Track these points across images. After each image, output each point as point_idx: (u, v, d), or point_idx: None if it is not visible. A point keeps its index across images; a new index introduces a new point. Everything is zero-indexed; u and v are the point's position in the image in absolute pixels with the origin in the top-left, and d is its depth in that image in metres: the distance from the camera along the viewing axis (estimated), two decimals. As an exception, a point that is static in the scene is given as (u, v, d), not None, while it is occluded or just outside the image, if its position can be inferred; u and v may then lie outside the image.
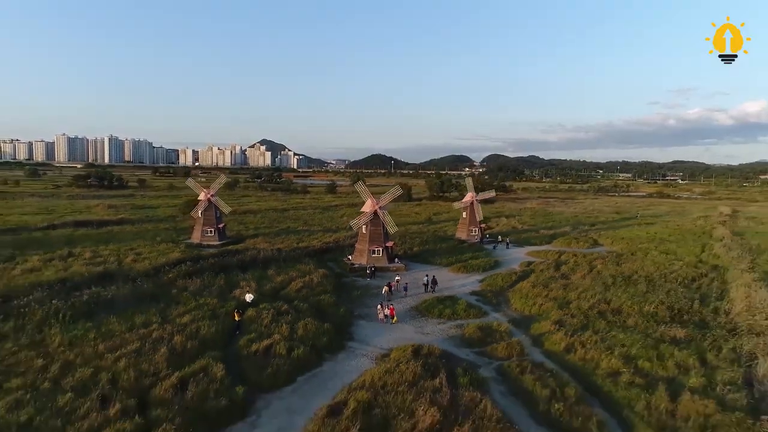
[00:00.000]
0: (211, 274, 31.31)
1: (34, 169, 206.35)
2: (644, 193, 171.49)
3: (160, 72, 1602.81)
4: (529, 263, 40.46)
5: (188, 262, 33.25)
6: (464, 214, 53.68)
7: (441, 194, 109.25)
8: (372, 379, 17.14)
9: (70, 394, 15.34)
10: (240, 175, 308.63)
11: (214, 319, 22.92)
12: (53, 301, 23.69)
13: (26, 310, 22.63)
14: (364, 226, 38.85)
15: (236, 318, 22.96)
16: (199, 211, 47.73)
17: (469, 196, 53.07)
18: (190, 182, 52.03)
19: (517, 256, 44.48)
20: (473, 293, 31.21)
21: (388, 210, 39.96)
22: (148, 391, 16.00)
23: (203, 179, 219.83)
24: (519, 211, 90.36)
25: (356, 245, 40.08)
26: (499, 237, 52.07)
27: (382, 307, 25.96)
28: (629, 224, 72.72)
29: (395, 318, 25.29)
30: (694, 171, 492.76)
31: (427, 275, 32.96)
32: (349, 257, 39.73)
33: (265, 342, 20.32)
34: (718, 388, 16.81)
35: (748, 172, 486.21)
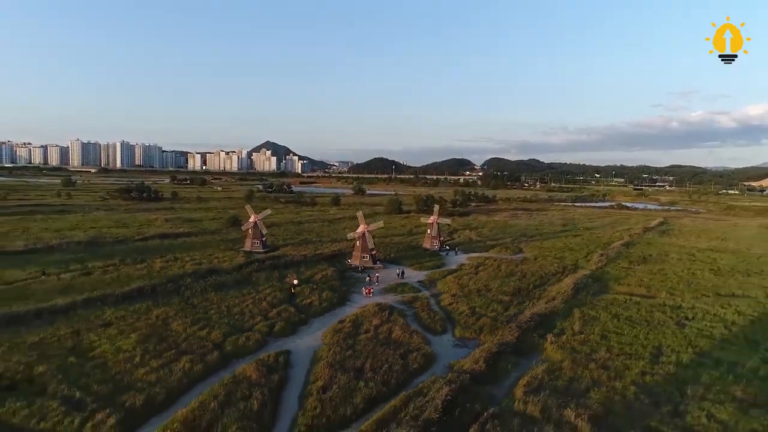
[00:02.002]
0: (269, 270, 54.87)
1: (68, 179, 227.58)
2: (607, 204, 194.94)
3: (160, 72, 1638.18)
4: (462, 265, 63.77)
5: (255, 263, 56.89)
6: (429, 230, 77.20)
7: (426, 208, 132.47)
8: (356, 313, 40.60)
9: (237, 315, 38.97)
10: (249, 181, 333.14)
11: (280, 291, 46.40)
12: (200, 282, 47.29)
13: (190, 286, 46.18)
14: (358, 240, 62.38)
15: (292, 291, 46.53)
16: (249, 228, 71.26)
17: (432, 218, 76.64)
18: (247, 207, 75.41)
19: (458, 260, 67.73)
20: (419, 281, 54.59)
21: (376, 226, 63.62)
22: (266, 314, 39.53)
23: (219, 188, 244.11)
24: (485, 223, 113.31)
25: (353, 252, 63.60)
26: (447, 246, 75.60)
27: (365, 288, 49.53)
28: (561, 236, 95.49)
29: (372, 294, 48.69)
30: (683, 176, 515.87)
31: (398, 269, 56.92)
32: (349, 260, 63.14)
33: (308, 300, 43.95)
34: (499, 318, 40.24)
35: (734, 179, 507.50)
